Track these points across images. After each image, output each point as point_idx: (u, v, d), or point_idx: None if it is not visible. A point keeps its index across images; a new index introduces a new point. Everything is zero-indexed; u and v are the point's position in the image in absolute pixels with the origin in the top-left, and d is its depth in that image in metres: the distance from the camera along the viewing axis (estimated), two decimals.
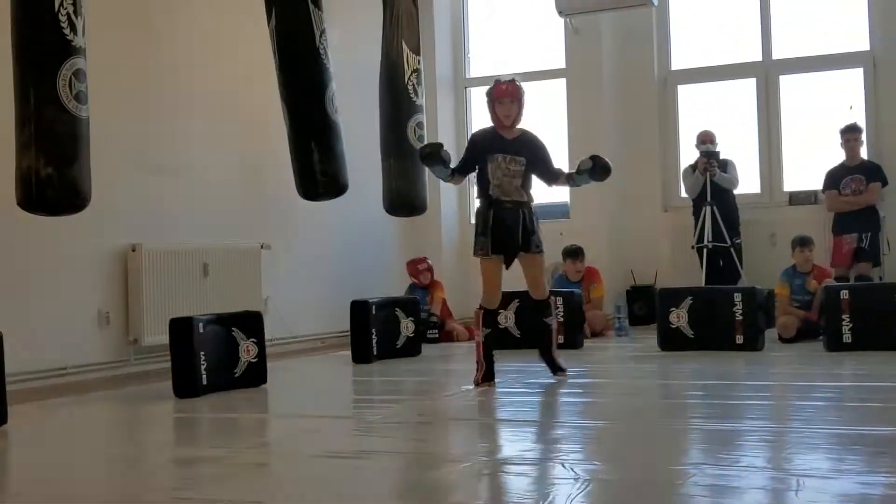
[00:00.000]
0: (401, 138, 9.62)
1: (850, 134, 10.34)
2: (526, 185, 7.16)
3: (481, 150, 7.21)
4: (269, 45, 8.18)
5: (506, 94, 7.12)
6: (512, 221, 7.06)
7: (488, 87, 7.29)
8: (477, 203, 7.35)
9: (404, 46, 9.75)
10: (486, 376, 7.15)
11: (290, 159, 8.29)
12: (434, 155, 7.16)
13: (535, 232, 7.17)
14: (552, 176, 7.40)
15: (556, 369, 7.38)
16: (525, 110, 7.27)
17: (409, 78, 9.70)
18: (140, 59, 8.57)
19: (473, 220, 7.51)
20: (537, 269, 7.37)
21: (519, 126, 7.25)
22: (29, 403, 6.95)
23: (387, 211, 9.70)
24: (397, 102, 9.62)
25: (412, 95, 9.68)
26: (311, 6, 8.11)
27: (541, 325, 7.49)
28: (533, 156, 7.19)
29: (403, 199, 9.58)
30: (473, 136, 7.60)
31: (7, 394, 6.15)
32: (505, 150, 7.10)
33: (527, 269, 7.33)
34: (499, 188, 7.06)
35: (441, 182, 12.07)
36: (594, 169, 7.22)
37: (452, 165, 7.30)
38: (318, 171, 8.17)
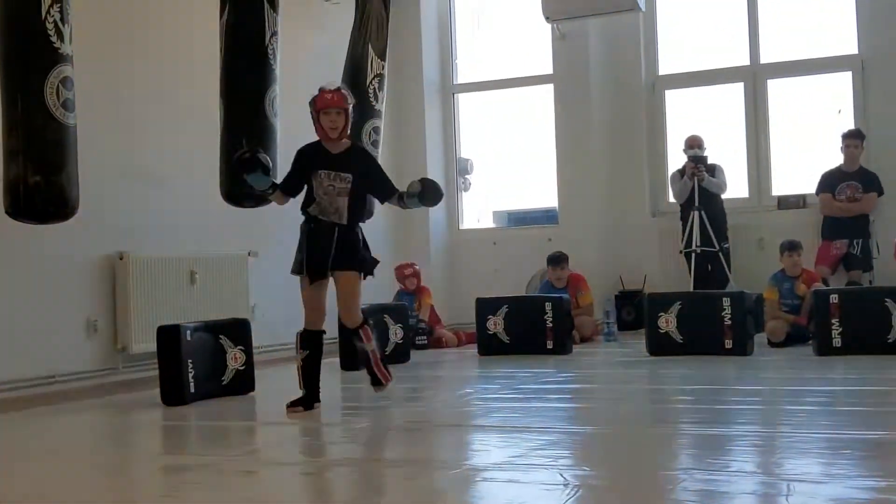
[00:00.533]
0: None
1: (851, 140, 10.32)
2: (354, 204, 6.60)
3: (306, 165, 6.65)
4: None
5: (331, 104, 6.50)
6: (326, 242, 6.55)
7: (312, 96, 6.64)
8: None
9: (370, 50, 9.76)
10: (302, 401, 6.65)
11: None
12: (253, 161, 6.54)
13: (354, 252, 6.66)
14: (385, 193, 6.88)
15: (376, 382, 6.81)
16: (352, 121, 6.74)
17: (370, 81, 9.70)
18: (127, 67, 8.55)
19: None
20: (348, 288, 6.68)
21: (347, 139, 6.71)
22: (17, 412, 6.94)
23: None
24: (356, 105, 9.61)
25: (372, 99, 9.68)
26: (267, 6, 8.04)
27: (359, 350, 6.93)
28: (361, 172, 6.62)
29: None
30: (299, 150, 6.82)
31: None
32: (329, 166, 6.54)
33: (337, 287, 6.71)
34: (318, 206, 6.55)
35: None
36: (423, 193, 6.70)
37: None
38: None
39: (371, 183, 6.76)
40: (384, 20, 9.98)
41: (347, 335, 7.04)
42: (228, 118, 8.01)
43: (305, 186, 6.66)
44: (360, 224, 6.79)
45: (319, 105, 6.54)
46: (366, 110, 9.77)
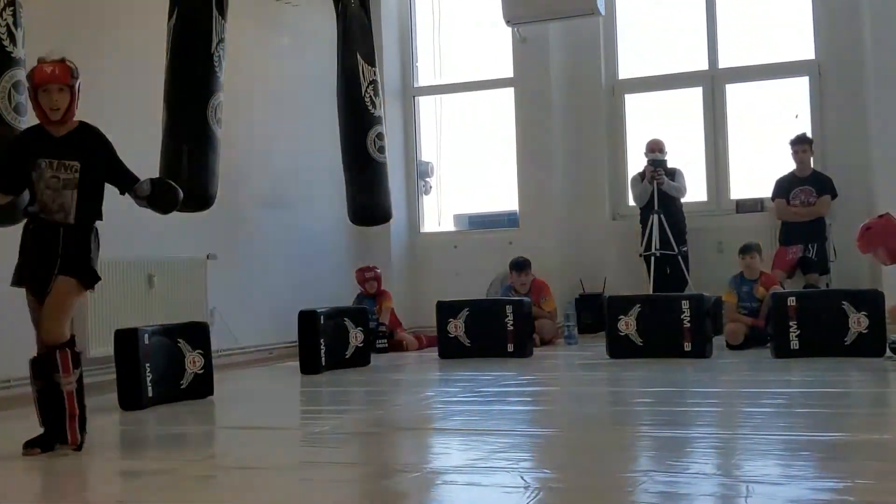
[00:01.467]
0: (361, 150, 9.66)
1: (799, 146, 10.41)
2: (85, 199, 5.43)
3: (25, 154, 5.40)
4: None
5: (51, 79, 5.27)
6: (49, 247, 5.38)
7: (29, 70, 5.48)
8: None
9: (359, 59, 9.78)
10: (41, 440, 5.38)
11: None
12: None
13: (80, 257, 5.47)
14: (123, 185, 5.67)
15: (64, 441, 5.42)
16: (80, 98, 5.48)
17: (365, 90, 9.72)
18: (84, 70, 8.46)
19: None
20: (59, 296, 5.41)
21: (77, 119, 5.51)
22: None
23: (352, 222, 9.81)
24: (356, 115, 9.66)
25: (370, 107, 9.71)
26: (215, 13, 7.97)
27: (51, 386, 5.44)
28: (92, 158, 5.45)
29: (367, 211, 9.71)
30: (17, 135, 5.61)
31: None
32: (51, 154, 5.33)
33: (49, 293, 5.44)
34: (40, 203, 5.37)
35: (389, 185, 12.11)
36: (152, 198, 5.65)
37: None
38: (185, 179, 7.94)
39: (103, 172, 5.55)
40: (367, 27, 9.94)
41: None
42: (170, 123, 7.94)
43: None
44: (96, 223, 5.62)
45: (37, 80, 5.33)
46: (367, 119, 9.81)
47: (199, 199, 8.06)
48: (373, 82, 9.88)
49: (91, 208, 5.51)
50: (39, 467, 5.34)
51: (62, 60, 5.40)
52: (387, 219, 10.18)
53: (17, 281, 5.48)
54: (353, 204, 9.81)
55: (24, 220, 5.49)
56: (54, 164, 5.33)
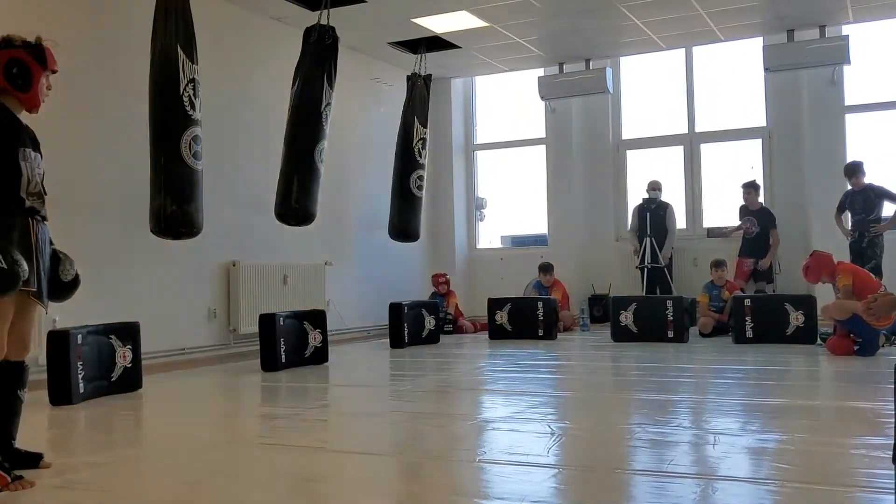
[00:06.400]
0: (404, 186, 9.81)
1: (746, 188, 10.26)
2: None
3: (9, 137, 3.38)
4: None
5: (56, 67, 3.54)
6: (46, 247, 3.52)
7: (32, 42, 3.48)
8: None
9: (416, 120, 9.91)
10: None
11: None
12: None
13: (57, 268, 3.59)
14: None
15: (24, 462, 3.48)
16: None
17: (416, 142, 9.84)
18: (240, 126, 8.59)
19: None
20: (33, 318, 3.54)
21: None
22: (159, 374, 6.96)
23: (390, 237, 9.88)
24: (404, 160, 9.80)
25: (417, 156, 9.82)
26: (325, 84, 7.99)
27: (8, 400, 3.46)
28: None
29: (402, 230, 9.81)
30: (9, 116, 3.43)
31: (143, 366, 6.17)
32: (33, 146, 3.48)
33: (24, 314, 3.46)
34: (38, 196, 3.44)
35: (454, 214, 12.13)
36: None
37: None
38: (293, 200, 7.92)
39: None
40: (426, 98, 10.10)
41: (13, 372, 3.47)
42: (286, 160, 7.94)
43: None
44: None
45: (52, 64, 3.50)
46: (413, 163, 9.90)
47: (303, 215, 7.93)
48: (423, 139, 9.95)
49: None
50: (203, 410, 5.41)
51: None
52: (416, 237, 10.15)
53: (29, 280, 3.34)
54: (392, 224, 9.89)
55: (8, 213, 3.36)
56: (35, 157, 3.48)
